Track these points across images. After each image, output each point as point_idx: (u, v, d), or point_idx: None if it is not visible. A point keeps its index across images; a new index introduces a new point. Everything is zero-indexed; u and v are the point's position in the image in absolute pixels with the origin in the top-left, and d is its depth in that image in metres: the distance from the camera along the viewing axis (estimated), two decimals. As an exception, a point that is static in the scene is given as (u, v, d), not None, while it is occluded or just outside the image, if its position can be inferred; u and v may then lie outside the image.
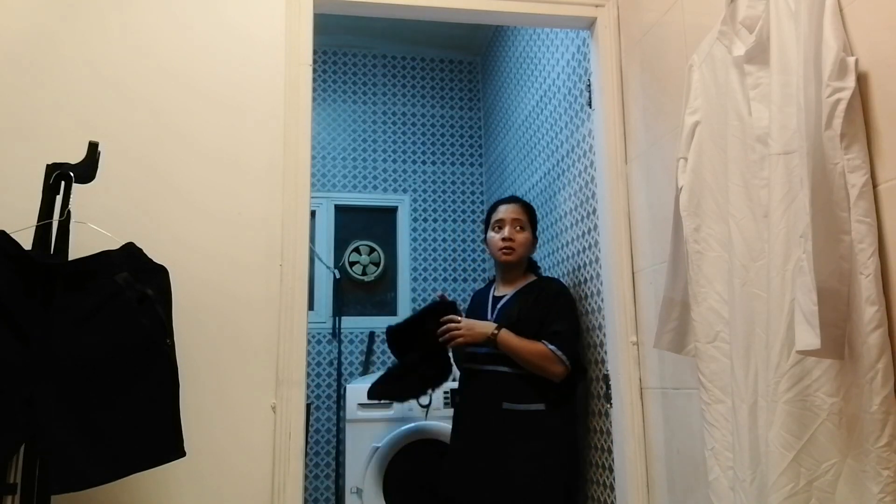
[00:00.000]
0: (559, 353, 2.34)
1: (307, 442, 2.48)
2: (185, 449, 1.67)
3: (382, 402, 3.50)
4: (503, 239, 2.51)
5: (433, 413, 3.28)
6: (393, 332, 2.64)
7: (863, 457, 1.20)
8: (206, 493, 1.92)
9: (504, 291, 2.55)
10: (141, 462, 1.63)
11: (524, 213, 2.57)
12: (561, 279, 2.96)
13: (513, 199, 2.64)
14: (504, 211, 2.57)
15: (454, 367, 2.68)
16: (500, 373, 2.39)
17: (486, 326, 2.40)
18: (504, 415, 2.37)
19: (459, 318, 2.47)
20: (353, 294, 4.45)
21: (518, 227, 2.53)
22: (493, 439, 2.37)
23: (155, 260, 1.73)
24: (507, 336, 2.37)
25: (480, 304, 2.61)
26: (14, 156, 1.95)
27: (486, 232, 2.65)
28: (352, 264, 4.44)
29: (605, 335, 2.39)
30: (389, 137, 4.60)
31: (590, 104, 2.56)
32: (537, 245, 2.65)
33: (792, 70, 1.33)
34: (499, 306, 2.51)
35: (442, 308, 2.57)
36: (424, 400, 3.08)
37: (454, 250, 4.51)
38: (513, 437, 2.34)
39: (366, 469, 3.34)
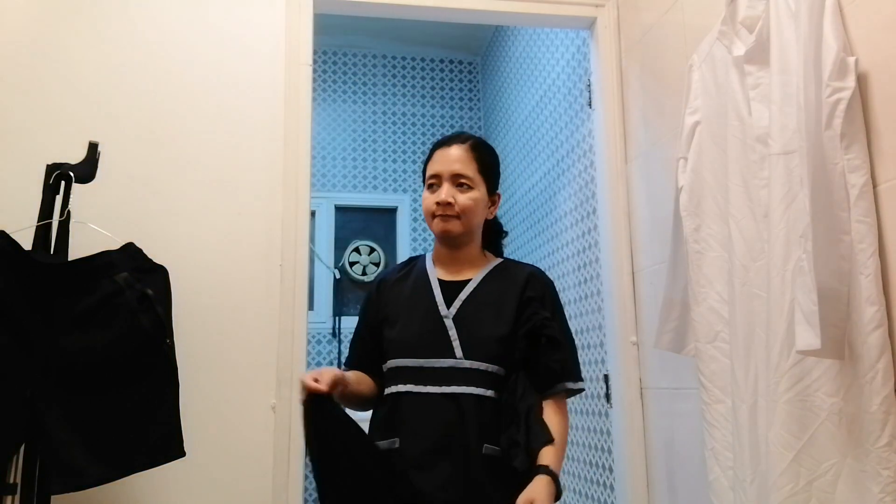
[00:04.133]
0: (582, 385, 1.60)
1: (307, 442, 2.47)
2: (185, 449, 1.67)
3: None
4: (438, 203, 1.59)
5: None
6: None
7: (863, 457, 1.20)
8: (206, 493, 1.92)
9: (455, 276, 1.64)
10: (141, 462, 1.63)
11: (473, 161, 1.62)
12: (561, 279, 2.96)
13: (458, 140, 1.65)
14: (442, 160, 1.63)
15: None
16: (469, 396, 1.50)
17: (543, 486, 1.41)
18: (484, 462, 1.47)
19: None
20: (353, 294, 4.45)
21: (461, 184, 1.60)
22: (471, 498, 1.46)
23: (155, 260, 1.73)
24: (556, 461, 1.47)
25: (417, 295, 1.64)
26: (14, 156, 1.95)
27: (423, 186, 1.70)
28: (352, 264, 4.45)
29: (605, 335, 2.39)
30: (389, 137, 4.60)
31: (590, 104, 2.56)
32: (499, 203, 1.71)
33: (792, 70, 1.33)
34: (462, 297, 1.59)
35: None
36: None
37: (454, 250, 4.51)
38: (498, 496, 1.44)
39: (366, 469, 3.33)
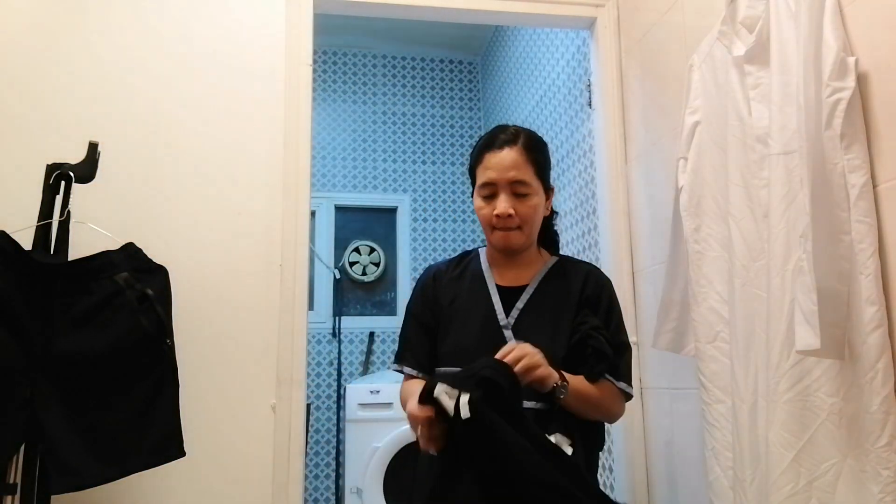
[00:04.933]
0: (627, 388, 1.54)
1: (307, 442, 2.47)
2: (185, 449, 1.67)
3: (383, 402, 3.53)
4: (498, 216, 1.50)
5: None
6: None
7: (863, 457, 1.20)
8: (206, 493, 1.92)
9: (512, 281, 1.58)
10: (141, 462, 1.63)
11: (528, 164, 1.51)
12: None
13: (507, 140, 1.53)
14: (495, 166, 1.51)
15: None
16: (527, 411, 1.40)
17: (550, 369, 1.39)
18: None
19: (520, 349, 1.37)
20: (353, 294, 4.45)
21: (520, 193, 1.51)
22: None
23: (155, 260, 1.73)
24: (575, 384, 1.43)
25: (473, 299, 1.57)
26: (14, 156, 1.95)
27: (473, 186, 1.61)
28: (352, 264, 4.45)
29: (605, 335, 2.38)
30: (389, 137, 4.60)
31: (590, 104, 2.56)
32: (553, 196, 1.62)
33: (792, 70, 1.33)
34: (519, 306, 1.53)
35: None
36: None
37: (454, 250, 4.50)
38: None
39: (366, 469, 3.34)
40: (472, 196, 1.60)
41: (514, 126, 1.60)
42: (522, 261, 1.60)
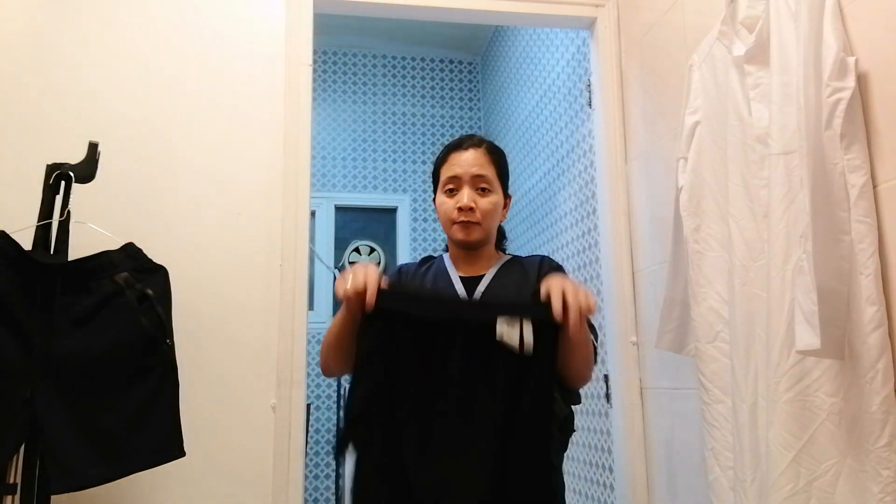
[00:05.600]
0: (596, 344, 1.57)
1: (307, 442, 2.48)
2: (185, 449, 1.67)
3: None
4: (460, 208, 1.58)
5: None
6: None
7: (863, 457, 1.20)
8: (206, 493, 1.92)
9: (472, 272, 1.66)
10: (141, 462, 1.63)
11: (491, 165, 1.63)
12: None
13: (472, 143, 1.65)
14: (461, 163, 1.61)
15: None
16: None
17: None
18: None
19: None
20: (353, 294, 4.45)
21: (482, 188, 1.60)
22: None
23: (155, 260, 1.73)
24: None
25: (436, 286, 1.66)
26: (14, 156, 1.95)
27: (434, 191, 1.70)
28: (352, 264, 4.44)
29: (604, 335, 2.39)
30: (389, 137, 4.60)
31: (590, 104, 2.56)
32: (510, 206, 1.71)
33: (792, 70, 1.33)
34: (481, 289, 1.61)
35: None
36: None
37: (454, 250, 4.51)
38: None
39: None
40: (433, 201, 1.69)
41: (479, 136, 1.72)
42: (482, 256, 1.68)
